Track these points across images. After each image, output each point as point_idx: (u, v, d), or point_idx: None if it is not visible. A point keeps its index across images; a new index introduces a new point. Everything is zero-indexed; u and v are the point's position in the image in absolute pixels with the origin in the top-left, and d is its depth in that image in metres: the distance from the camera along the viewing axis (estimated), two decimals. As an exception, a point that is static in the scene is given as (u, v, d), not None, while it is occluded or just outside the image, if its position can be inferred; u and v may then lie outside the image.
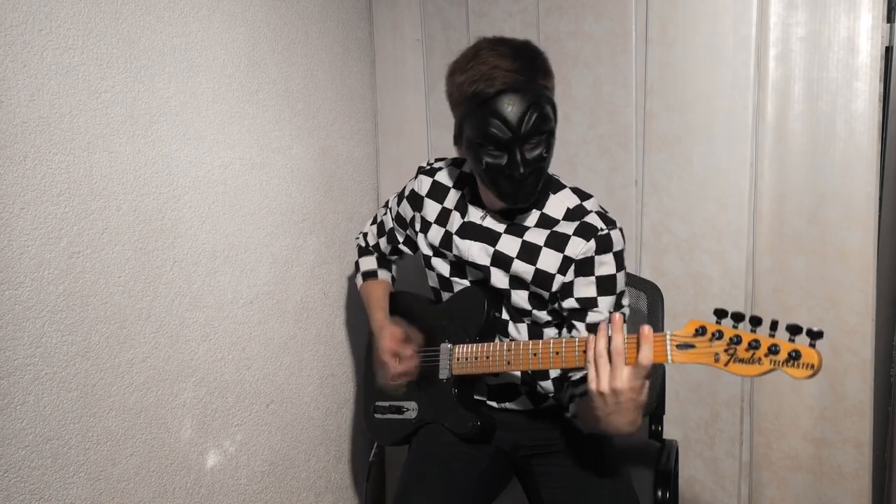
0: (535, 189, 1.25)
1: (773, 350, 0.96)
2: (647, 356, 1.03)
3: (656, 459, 1.50)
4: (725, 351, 1.00)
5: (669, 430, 1.79)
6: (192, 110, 1.43)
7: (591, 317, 1.28)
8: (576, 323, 1.29)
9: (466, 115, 1.22)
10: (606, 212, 1.32)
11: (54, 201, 1.17)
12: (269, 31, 1.63)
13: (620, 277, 1.29)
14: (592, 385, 1.08)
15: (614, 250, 1.27)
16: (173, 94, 1.38)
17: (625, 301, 1.32)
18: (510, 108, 1.17)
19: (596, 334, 1.09)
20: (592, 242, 1.27)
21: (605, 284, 1.28)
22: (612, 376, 1.06)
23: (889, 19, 1.54)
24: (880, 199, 1.60)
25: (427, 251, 1.45)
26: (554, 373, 1.37)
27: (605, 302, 1.28)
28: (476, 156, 1.24)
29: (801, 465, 1.70)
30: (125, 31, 1.28)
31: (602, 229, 1.27)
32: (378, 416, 1.53)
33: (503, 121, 1.18)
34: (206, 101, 1.46)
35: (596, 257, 1.27)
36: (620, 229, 1.30)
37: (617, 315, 1.09)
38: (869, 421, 1.61)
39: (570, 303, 1.29)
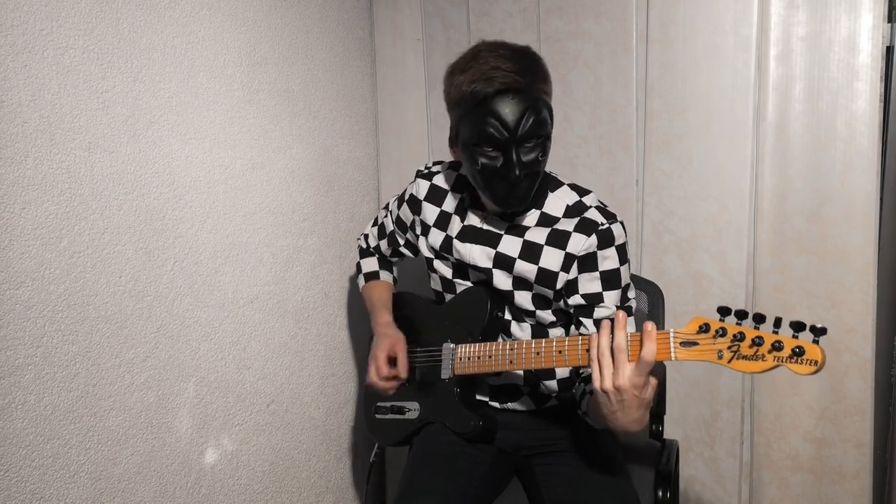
0: (529, 193, 1.25)
1: (777, 346, 0.96)
2: (650, 353, 1.03)
3: (657, 459, 1.50)
4: (729, 348, 0.99)
5: (670, 430, 1.79)
6: (193, 110, 1.43)
7: (599, 312, 1.28)
8: (583, 320, 1.29)
9: (464, 115, 1.22)
10: (606, 206, 1.32)
11: (55, 201, 1.17)
12: (269, 31, 1.63)
13: (624, 271, 1.29)
14: (596, 384, 1.07)
15: (616, 244, 1.27)
16: (174, 94, 1.38)
17: (631, 294, 1.32)
18: (508, 108, 1.17)
19: (599, 332, 1.09)
20: (594, 238, 1.27)
21: (610, 279, 1.28)
22: (614, 374, 1.05)
23: (890, 19, 1.54)
24: (881, 198, 1.60)
25: (429, 254, 1.45)
26: (561, 372, 1.36)
27: (611, 296, 1.28)
28: (471, 157, 1.23)
29: (801, 465, 1.70)
30: (126, 30, 1.28)
31: (603, 224, 1.27)
32: (379, 416, 1.52)
33: (500, 121, 1.17)
34: (207, 101, 1.46)
35: (598, 252, 1.27)
36: (621, 222, 1.30)
37: (621, 313, 1.09)
38: (869, 421, 1.61)
39: (575, 299, 1.29)
